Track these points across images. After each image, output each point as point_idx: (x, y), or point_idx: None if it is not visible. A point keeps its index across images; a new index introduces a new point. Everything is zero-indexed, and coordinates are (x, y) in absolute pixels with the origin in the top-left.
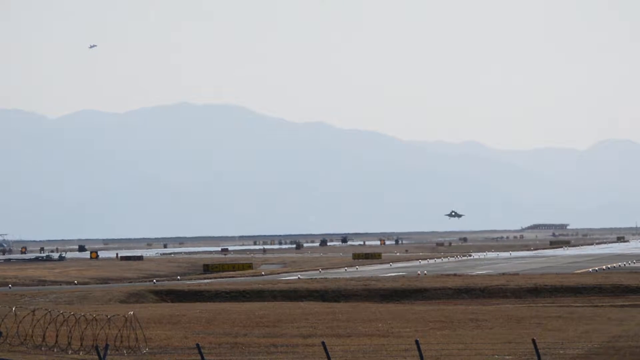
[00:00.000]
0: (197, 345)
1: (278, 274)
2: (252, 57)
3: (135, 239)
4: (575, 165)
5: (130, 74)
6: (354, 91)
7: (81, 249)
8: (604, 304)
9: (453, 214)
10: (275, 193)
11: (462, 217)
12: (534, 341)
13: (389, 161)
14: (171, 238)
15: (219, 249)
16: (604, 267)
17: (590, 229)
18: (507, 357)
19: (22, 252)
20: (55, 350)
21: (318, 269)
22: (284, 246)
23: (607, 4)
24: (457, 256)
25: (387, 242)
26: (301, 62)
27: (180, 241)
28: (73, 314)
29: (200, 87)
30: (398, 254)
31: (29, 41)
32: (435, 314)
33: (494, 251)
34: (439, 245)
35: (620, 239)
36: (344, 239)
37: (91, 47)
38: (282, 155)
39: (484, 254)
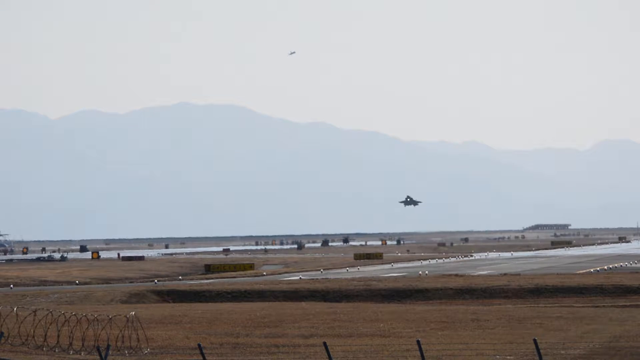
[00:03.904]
0: (199, 345)
1: (279, 274)
2: (252, 57)
3: (136, 239)
4: (576, 165)
5: (130, 74)
6: (354, 91)
7: (83, 249)
8: (605, 304)
9: (408, 199)
10: (275, 193)
11: (419, 204)
12: (535, 341)
13: (390, 161)
14: (173, 238)
15: (221, 249)
16: (605, 267)
17: (592, 229)
18: (509, 357)
19: (23, 253)
20: (56, 350)
21: (319, 270)
22: (285, 246)
23: (608, 5)
24: (458, 256)
25: (389, 243)
26: (301, 62)
27: (182, 241)
28: (74, 314)
29: (200, 87)
30: (399, 254)
31: (29, 41)
32: (436, 314)
33: (496, 251)
34: (441, 245)
35: (622, 239)
36: (346, 239)
37: (291, 53)
38: (283, 155)
39: (486, 254)
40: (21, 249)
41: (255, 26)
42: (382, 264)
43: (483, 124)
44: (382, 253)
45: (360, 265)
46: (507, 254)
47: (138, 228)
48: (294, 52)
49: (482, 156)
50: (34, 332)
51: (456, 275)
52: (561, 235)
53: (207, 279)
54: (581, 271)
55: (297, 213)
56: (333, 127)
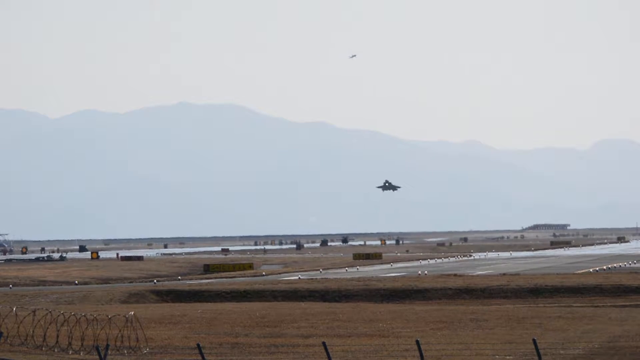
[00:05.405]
0: (198, 345)
1: (279, 274)
2: (252, 57)
3: (135, 239)
4: (575, 165)
5: (130, 74)
6: (354, 91)
7: (82, 249)
8: (604, 304)
9: (387, 184)
10: (275, 193)
11: (398, 189)
12: (534, 341)
13: (390, 161)
14: (171, 238)
15: (220, 249)
16: (604, 267)
17: (591, 229)
18: (508, 357)
19: (22, 253)
20: (56, 350)
21: (319, 269)
22: (284, 246)
23: (608, 4)
24: (457, 256)
25: (388, 242)
26: (301, 62)
27: (181, 241)
28: (74, 314)
29: (200, 87)
30: (399, 254)
31: (29, 41)
32: (435, 314)
33: (495, 251)
34: (440, 245)
35: (621, 239)
36: (345, 239)
37: (352, 57)
38: (283, 155)
39: (485, 254)
40: (20, 249)
41: (255, 26)
42: (381, 263)
43: (483, 124)
44: (381, 253)
45: (359, 265)
46: (506, 254)
47: (137, 228)
48: (354, 55)
49: (482, 156)
50: (33, 332)
51: (455, 275)
52: (560, 235)
53: (206, 278)
54: (580, 271)
55: (296, 213)
56: (333, 127)
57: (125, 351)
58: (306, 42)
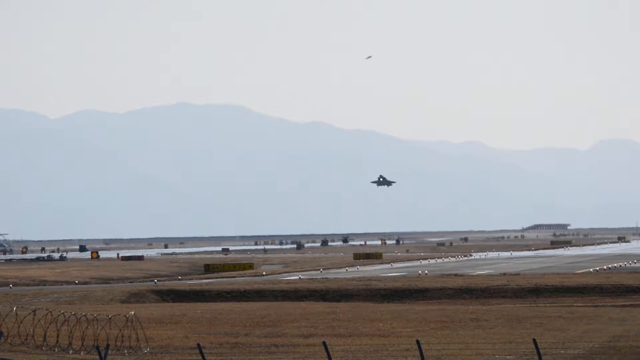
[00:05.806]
0: (198, 345)
1: (279, 274)
2: (252, 57)
3: (136, 239)
4: (576, 165)
5: (130, 74)
6: (354, 91)
7: (82, 249)
8: (605, 304)
9: (381, 179)
10: (275, 193)
11: (393, 184)
12: (534, 341)
13: (390, 161)
14: (172, 238)
15: (220, 249)
16: (605, 267)
17: (592, 229)
18: (508, 357)
19: (23, 252)
20: (56, 350)
21: (319, 269)
22: (284, 246)
23: (607, 4)
24: (458, 256)
25: (388, 242)
26: (301, 62)
27: (181, 241)
28: (74, 314)
29: (200, 87)
30: (399, 253)
31: (29, 41)
32: (436, 314)
33: (495, 251)
34: (440, 245)
35: (622, 239)
36: (345, 239)
37: (367, 57)
38: (282, 155)
39: (485, 254)
40: (20, 249)
41: (255, 26)
42: (382, 263)
43: (483, 124)
44: (381, 253)
45: (359, 265)
46: (507, 254)
47: (137, 228)
48: (370, 57)
49: (482, 156)
50: (33, 331)
51: (455, 275)
52: (560, 235)
53: (206, 278)
54: (580, 271)
55: (297, 213)
56: (332, 127)
57: (126, 351)
58: (306, 42)
